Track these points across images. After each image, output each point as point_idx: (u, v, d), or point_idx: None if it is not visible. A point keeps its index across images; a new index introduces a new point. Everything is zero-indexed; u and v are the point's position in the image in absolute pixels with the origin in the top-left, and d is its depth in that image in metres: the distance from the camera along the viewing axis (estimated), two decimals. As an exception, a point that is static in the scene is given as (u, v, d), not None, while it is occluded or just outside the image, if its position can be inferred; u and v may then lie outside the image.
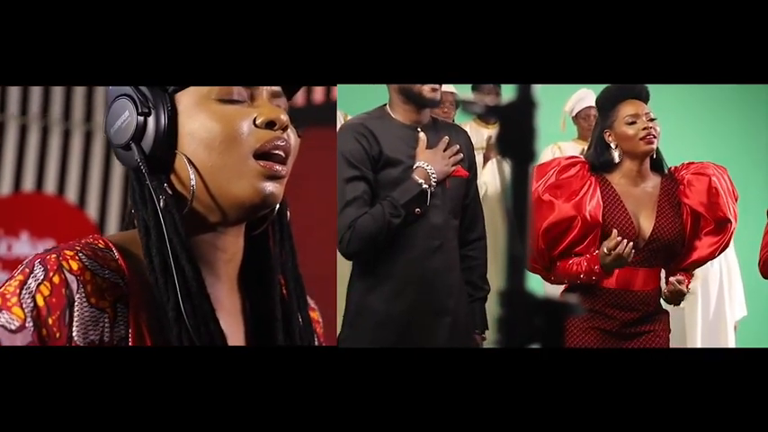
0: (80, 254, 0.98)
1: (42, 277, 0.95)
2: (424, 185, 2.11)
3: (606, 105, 2.15)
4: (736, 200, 2.15)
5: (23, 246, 3.68)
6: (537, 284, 2.96)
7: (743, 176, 2.23)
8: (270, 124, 1.00)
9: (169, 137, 1.00)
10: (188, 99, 1.01)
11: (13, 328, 0.94)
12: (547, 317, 0.74)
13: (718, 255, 2.16)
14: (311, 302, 1.24)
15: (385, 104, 2.23)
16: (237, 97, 1.01)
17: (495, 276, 3.74)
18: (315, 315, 1.24)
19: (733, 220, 2.10)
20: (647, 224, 2.10)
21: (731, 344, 3.77)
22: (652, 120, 2.10)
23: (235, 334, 1.06)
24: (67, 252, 0.98)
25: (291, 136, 1.04)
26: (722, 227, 2.10)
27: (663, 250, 2.11)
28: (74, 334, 0.95)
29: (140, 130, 1.00)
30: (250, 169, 0.99)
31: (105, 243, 1.02)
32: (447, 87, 3.44)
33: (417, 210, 2.11)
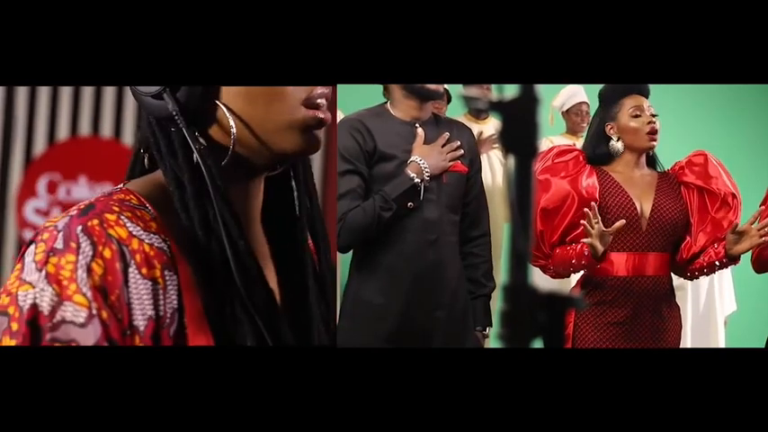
0: (122, 217, 0.89)
1: (92, 253, 0.85)
2: (416, 180, 2.12)
3: (612, 97, 2.17)
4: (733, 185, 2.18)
5: (82, 190, 3.66)
6: (541, 279, 2.97)
7: (734, 175, 2.25)
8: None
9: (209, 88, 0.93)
10: None
11: (82, 320, 0.83)
12: (550, 311, 0.75)
13: None
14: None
15: (386, 102, 2.25)
16: None
17: (501, 269, 3.77)
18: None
19: (737, 194, 2.13)
20: (647, 206, 2.12)
21: (721, 339, 3.80)
22: (654, 115, 2.13)
23: (270, 281, 0.99)
24: (109, 216, 0.88)
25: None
26: (728, 201, 2.12)
27: (666, 232, 2.12)
28: (133, 314, 0.85)
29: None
30: (299, 119, 0.94)
31: (138, 198, 0.93)
32: (439, 83, 3.46)
33: (410, 204, 2.13)
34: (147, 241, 0.89)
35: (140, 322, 0.86)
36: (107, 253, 0.86)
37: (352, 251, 2.24)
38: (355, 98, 2.37)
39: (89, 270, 0.84)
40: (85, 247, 0.85)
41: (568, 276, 2.24)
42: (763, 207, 2.05)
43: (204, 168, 0.91)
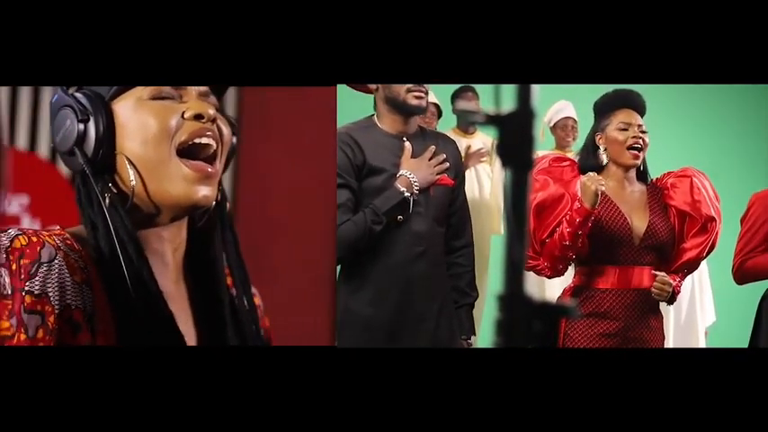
0: (53, 236, 1.03)
1: (19, 233, 0.99)
2: (406, 193, 2.15)
3: (603, 109, 2.20)
4: (718, 201, 2.21)
5: (-2, 202, 3.61)
6: (535, 289, 2.99)
7: (717, 185, 2.29)
8: (198, 117, 1.08)
9: (108, 139, 1.07)
10: (126, 102, 1.08)
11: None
12: (544, 320, 0.76)
13: (706, 255, 2.20)
14: (254, 289, 1.30)
15: (373, 115, 2.28)
16: (167, 94, 1.09)
17: (486, 280, 3.79)
18: (257, 300, 1.29)
19: (717, 218, 2.16)
20: (640, 224, 2.15)
21: (702, 350, 3.84)
22: (643, 132, 2.16)
23: (183, 319, 1.11)
24: (44, 232, 1.03)
25: (223, 128, 1.11)
26: (707, 226, 2.15)
27: (655, 249, 2.16)
28: (49, 292, 0.98)
29: (81, 135, 1.07)
30: (179, 169, 1.06)
31: (63, 233, 1.07)
32: (430, 98, 3.48)
33: (399, 217, 2.16)
34: (72, 256, 1.03)
35: (56, 304, 0.98)
36: (34, 239, 1.00)
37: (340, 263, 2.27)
38: (354, 98, 2.39)
39: (13, 239, 0.99)
40: (12, 231, 0.99)
41: (564, 270, 2.23)
42: None
43: (112, 211, 1.05)
